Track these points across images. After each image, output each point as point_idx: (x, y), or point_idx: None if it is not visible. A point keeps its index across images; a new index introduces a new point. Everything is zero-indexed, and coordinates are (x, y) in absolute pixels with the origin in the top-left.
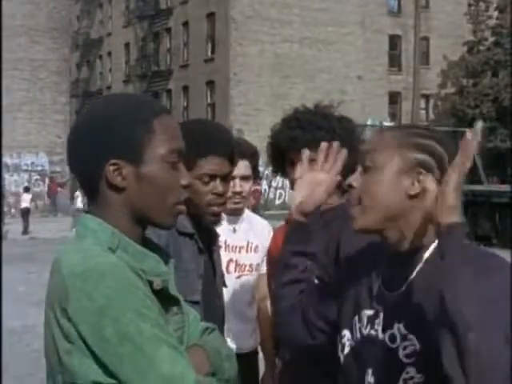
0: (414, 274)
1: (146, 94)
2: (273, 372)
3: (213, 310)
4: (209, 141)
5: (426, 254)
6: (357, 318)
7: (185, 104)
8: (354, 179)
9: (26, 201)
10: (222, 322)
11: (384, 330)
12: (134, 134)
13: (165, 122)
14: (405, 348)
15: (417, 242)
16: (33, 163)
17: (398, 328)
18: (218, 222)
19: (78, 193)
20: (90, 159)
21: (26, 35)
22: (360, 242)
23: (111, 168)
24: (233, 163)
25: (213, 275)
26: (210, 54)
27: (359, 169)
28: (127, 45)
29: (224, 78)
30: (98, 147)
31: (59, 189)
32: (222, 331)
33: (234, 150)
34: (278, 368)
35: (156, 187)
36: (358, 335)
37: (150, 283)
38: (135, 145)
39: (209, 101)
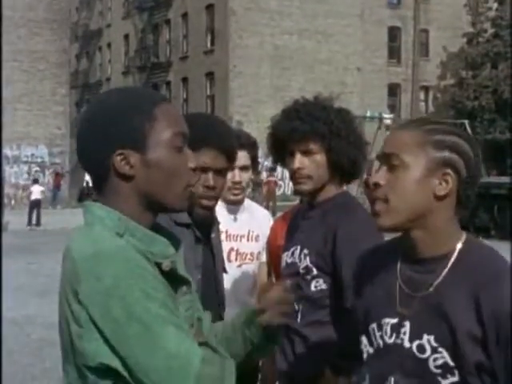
0: (441, 277)
1: (145, 85)
2: (271, 361)
3: (211, 299)
4: (204, 134)
5: (452, 258)
6: (375, 325)
7: (184, 96)
8: (379, 177)
9: (36, 192)
10: (222, 308)
11: (411, 340)
12: (136, 123)
13: (165, 108)
14: (435, 360)
15: (442, 244)
16: (33, 155)
17: (428, 340)
18: (207, 215)
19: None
20: (97, 152)
21: (26, 27)
22: (356, 235)
23: (118, 158)
24: (231, 159)
25: (212, 263)
26: (209, 45)
27: (382, 167)
28: (126, 36)
29: (223, 70)
30: (104, 140)
31: (61, 182)
32: (221, 317)
33: (233, 145)
34: (277, 353)
35: (164, 172)
36: (381, 343)
37: (159, 265)
38: (139, 133)
39: (208, 93)
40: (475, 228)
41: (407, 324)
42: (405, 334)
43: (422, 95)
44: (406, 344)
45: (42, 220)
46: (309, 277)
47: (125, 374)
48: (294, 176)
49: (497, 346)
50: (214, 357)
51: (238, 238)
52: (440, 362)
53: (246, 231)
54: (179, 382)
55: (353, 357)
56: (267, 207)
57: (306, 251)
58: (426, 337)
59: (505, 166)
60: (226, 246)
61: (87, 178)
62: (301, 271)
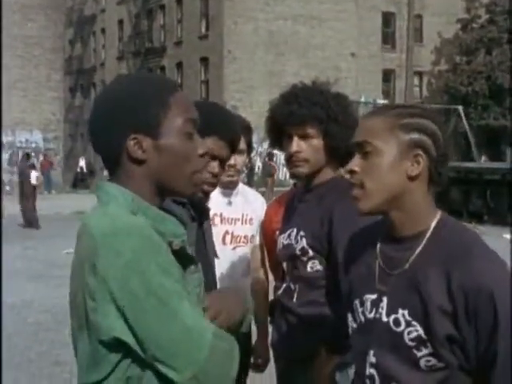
0: (415, 255)
1: (140, 70)
2: (265, 340)
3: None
4: (213, 122)
5: (427, 235)
6: (358, 301)
7: (179, 81)
8: (354, 165)
9: (32, 178)
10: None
11: (388, 315)
12: (150, 110)
13: (179, 96)
14: (409, 333)
15: (418, 223)
16: (27, 140)
17: (403, 314)
18: (205, 200)
19: None
20: (112, 136)
21: (20, 12)
22: (352, 217)
23: (132, 142)
24: (234, 149)
25: (204, 246)
26: (203, 31)
27: (357, 155)
28: (121, 22)
29: (218, 56)
30: (118, 124)
31: (51, 166)
32: None
33: (238, 136)
34: (270, 336)
35: (175, 157)
36: (362, 318)
37: (170, 244)
38: (153, 119)
39: (203, 78)
40: (468, 213)
41: (385, 299)
42: (382, 308)
43: (416, 81)
44: (384, 318)
45: (36, 205)
46: (305, 258)
47: (136, 348)
48: (291, 159)
49: (465, 320)
50: (223, 332)
51: (233, 221)
52: (414, 334)
53: (240, 215)
54: (194, 353)
55: (347, 336)
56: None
57: (302, 233)
58: (400, 311)
59: (499, 152)
60: (220, 228)
61: (81, 163)
62: (297, 253)
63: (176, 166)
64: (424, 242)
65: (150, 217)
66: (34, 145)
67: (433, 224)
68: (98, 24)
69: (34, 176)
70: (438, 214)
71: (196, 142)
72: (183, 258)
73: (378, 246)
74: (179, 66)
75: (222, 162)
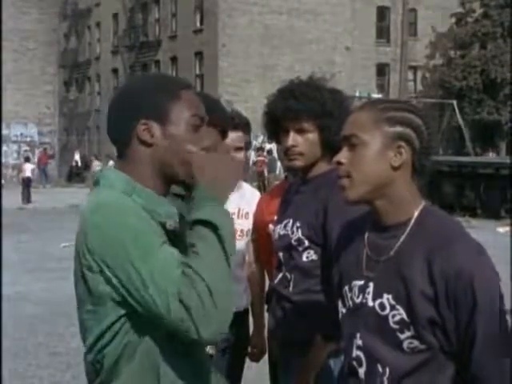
0: (400, 242)
1: (134, 64)
2: (261, 331)
3: None
4: (209, 113)
5: (411, 224)
6: (347, 287)
7: (173, 75)
8: (341, 157)
9: (27, 170)
10: None
11: (374, 299)
12: (161, 99)
13: (190, 93)
14: (393, 316)
15: (403, 211)
16: (22, 134)
17: (388, 299)
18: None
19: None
20: (125, 120)
21: (14, 6)
22: (346, 208)
23: (142, 127)
24: (224, 136)
25: None
26: (198, 24)
27: (344, 147)
28: (116, 15)
29: (213, 49)
30: (131, 110)
31: (49, 160)
32: None
33: (227, 123)
34: (268, 320)
35: (180, 145)
36: (351, 303)
37: (163, 225)
38: (163, 108)
39: (197, 72)
40: (462, 207)
41: (371, 285)
42: (369, 293)
43: (410, 75)
44: (370, 303)
45: (32, 199)
46: (301, 248)
47: (133, 302)
48: (288, 153)
49: (446, 303)
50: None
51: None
52: (397, 318)
53: (236, 209)
54: (166, 277)
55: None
56: (260, 186)
57: (298, 224)
58: (385, 296)
59: (493, 145)
60: None
61: (76, 157)
62: (293, 243)
63: (180, 154)
64: (408, 229)
65: (144, 198)
66: (28, 138)
67: (416, 213)
68: (93, 18)
69: (28, 168)
70: (422, 204)
71: (202, 134)
72: (178, 240)
73: (366, 234)
74: (174, 59)
75: (215, 150)
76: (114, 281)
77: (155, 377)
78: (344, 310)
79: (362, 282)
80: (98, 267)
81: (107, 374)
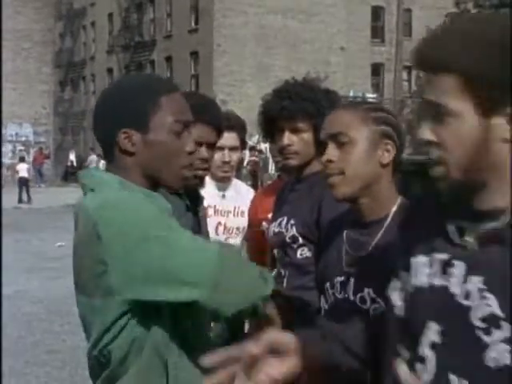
0: (377, 238)
1: (130, 64)
2: (256, 327)
3: None
4: (199, 111)
5: (388, 220)
6: (328, 284)
7: (168, 75)
8: (331, 155)
9: (23, 170)
10: None
11: (355, 294)
12: (141, 107)
13: (172, 97)
14: (374, 309)
15: (382, 208)
16: (17, 134)
17: (368, 292)
18: (200, 185)
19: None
20: (107, 129)
21: (9, 6)
22: (339, 206)
23: (123, 136)
24: (219, 134)
25: (199, 233)
26: (193, 24)
27: (331, 145)
28: (111, 15)
29: (208, 49)
30: (112, 119)
31: (45, 160)
32: None
33: (222, 121)
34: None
35: (161, 152)
36: (333, 299)
37: None
38: (142, 116)
39: (192, 72)
40: None
41: (352, 280)
42: (350, 289)
43: (405, 75)
44: (351, 297)
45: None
46: (295, 245)
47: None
48: (283, 152)
49: None
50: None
51: (226, 214)
52: (378, 311)
53: (232, 207)
54: (204, 265)
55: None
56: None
57: (292, 221)
58: (366, 290)
59: None
60: (214, 220)
61: (71, 157)
62: (287, 240)
63: (163, 160)
64: (385, 225)
65: (141, 193)
66: (24, 138)
67: (393, 209)
68: (88, 17)
69: (24, 168)
70: (398, 200)
71: (185, 139)
72: None
73: (345, 232)
74: (169, 59)
75: (211, 146)
76: (128, 280)
77: (163, 370)
78: (326, 306)
79: (342, 278)
80: (112, 258)
81: (115, 369)
